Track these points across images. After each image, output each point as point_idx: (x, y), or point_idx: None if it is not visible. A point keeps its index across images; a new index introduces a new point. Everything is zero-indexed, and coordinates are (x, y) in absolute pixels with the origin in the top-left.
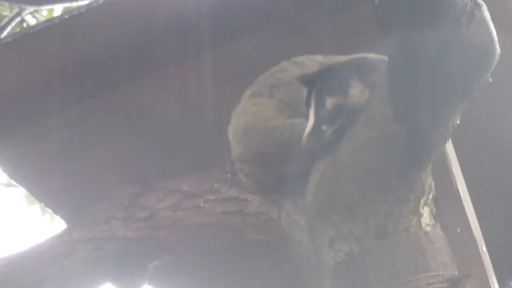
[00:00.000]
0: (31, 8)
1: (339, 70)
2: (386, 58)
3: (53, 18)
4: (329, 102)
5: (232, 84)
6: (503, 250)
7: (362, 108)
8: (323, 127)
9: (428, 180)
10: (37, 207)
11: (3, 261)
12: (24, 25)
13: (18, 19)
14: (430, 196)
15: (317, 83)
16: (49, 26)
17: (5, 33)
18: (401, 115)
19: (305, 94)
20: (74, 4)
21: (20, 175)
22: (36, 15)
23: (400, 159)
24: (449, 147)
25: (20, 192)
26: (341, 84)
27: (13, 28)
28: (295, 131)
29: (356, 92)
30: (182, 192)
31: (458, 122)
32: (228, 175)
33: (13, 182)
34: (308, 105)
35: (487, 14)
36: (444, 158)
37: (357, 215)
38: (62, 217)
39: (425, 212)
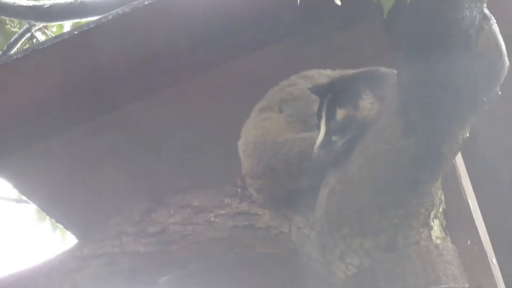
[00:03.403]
0: (40, 24)
1: (350, 81)
2: (396, 71)
3: (62, 34)
4: (340, 114)
5: (242, 99)
6: None
7: (372, 121)
8: (334, 138)
9: (438, 193)
10: (48, 223)
11: (15, 277)
12: (34, 41)
13: (27, 35)
14: (440, 209)
15: (328, 94)
16: (59, 42)
17: (14, 49)
18: (411, 128)
19: (315, 107)
20: (84, 20)
21: (31, 191)
22: (46, 31)
23: (410, 173)
24: (459, 160)
25: (31, 208)
26: (352, 96)
27: (23, 44)
28: (305, 146)
29: (367, 104)
30: (192, 207)
31: (468, 135)
32: (239, 190)
33: (24, 198)
34: (319, 117)
35: (496, 27)
36: (454, 171)
37: (367, 229)
38: (73, 232)
39: (435, 225)
